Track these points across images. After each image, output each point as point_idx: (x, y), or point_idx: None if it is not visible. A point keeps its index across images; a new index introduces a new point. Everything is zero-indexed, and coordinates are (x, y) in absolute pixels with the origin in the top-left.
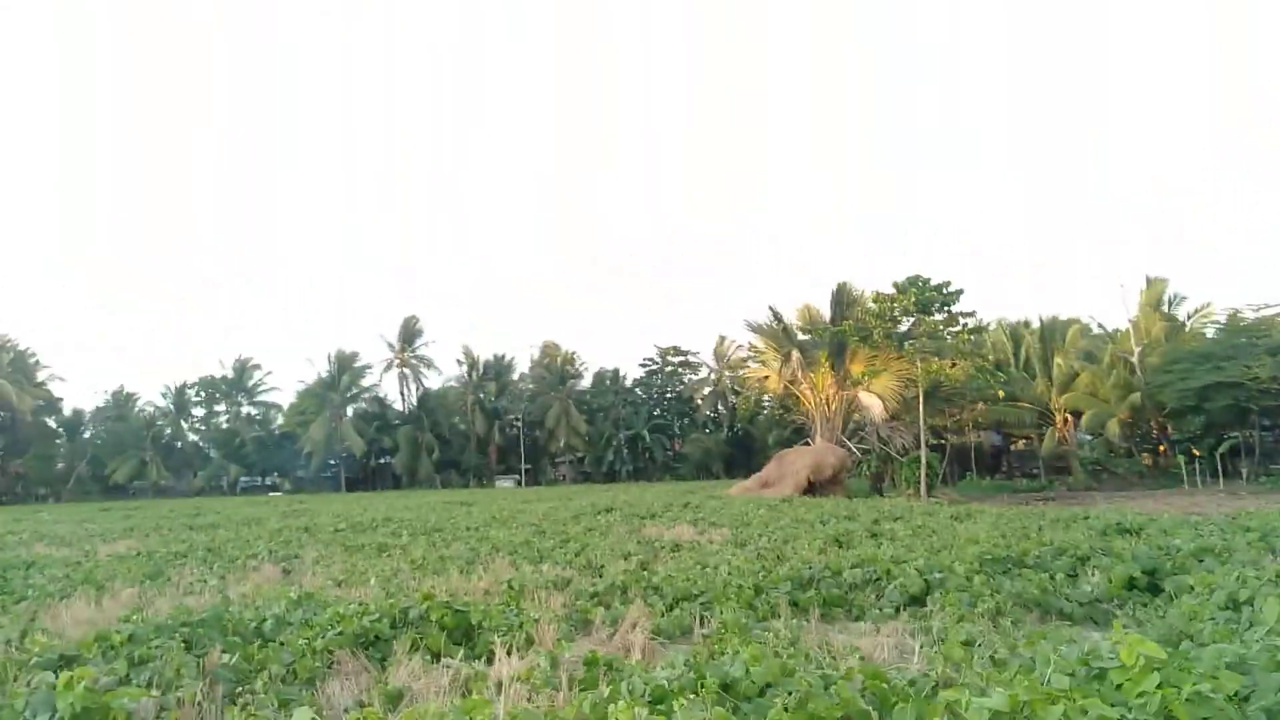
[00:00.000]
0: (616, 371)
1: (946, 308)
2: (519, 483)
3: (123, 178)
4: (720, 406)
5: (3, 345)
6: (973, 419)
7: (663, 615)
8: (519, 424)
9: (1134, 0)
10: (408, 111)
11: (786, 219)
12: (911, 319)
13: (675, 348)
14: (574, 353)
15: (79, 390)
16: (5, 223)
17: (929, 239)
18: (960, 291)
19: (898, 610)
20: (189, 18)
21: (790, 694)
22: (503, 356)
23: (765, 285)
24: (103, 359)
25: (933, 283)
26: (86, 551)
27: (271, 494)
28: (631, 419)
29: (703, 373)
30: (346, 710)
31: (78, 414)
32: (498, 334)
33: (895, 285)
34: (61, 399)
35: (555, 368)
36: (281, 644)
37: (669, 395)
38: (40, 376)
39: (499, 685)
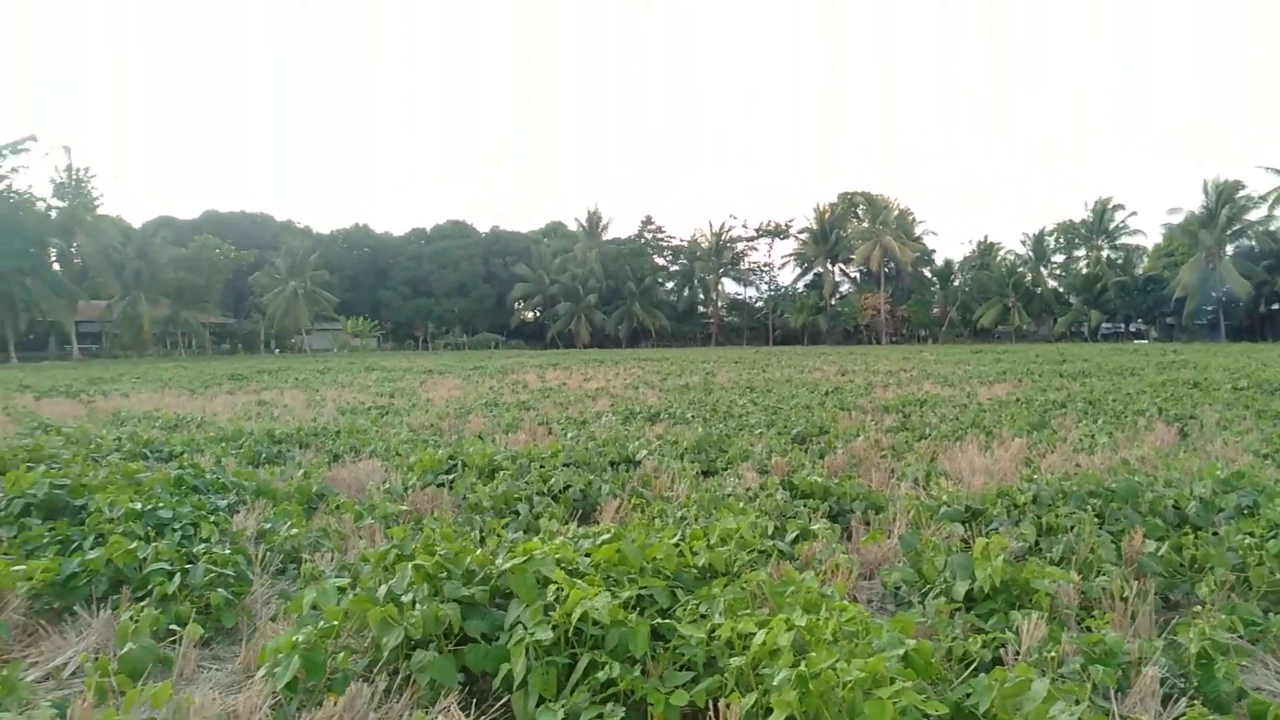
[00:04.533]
0: None
1: None
2: None
3: None
4: None
5: (889, 205)
6: None
7: None
8: None
9: None
10: None
11: None
12: None
13: None
14: None
15: (949, 242)
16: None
17: None
18: None
19: None
20: None
21: None
22: None
23: None
24: (969, 210)
25: None
26: (968, 393)
27: (1136, 342)
28: None
29: None
30: None
31: (948, 264)
32: None
33: None
34: (934, 250)
35: None
36: (1215, 534)
37: None
38: (917, 231)
39: None
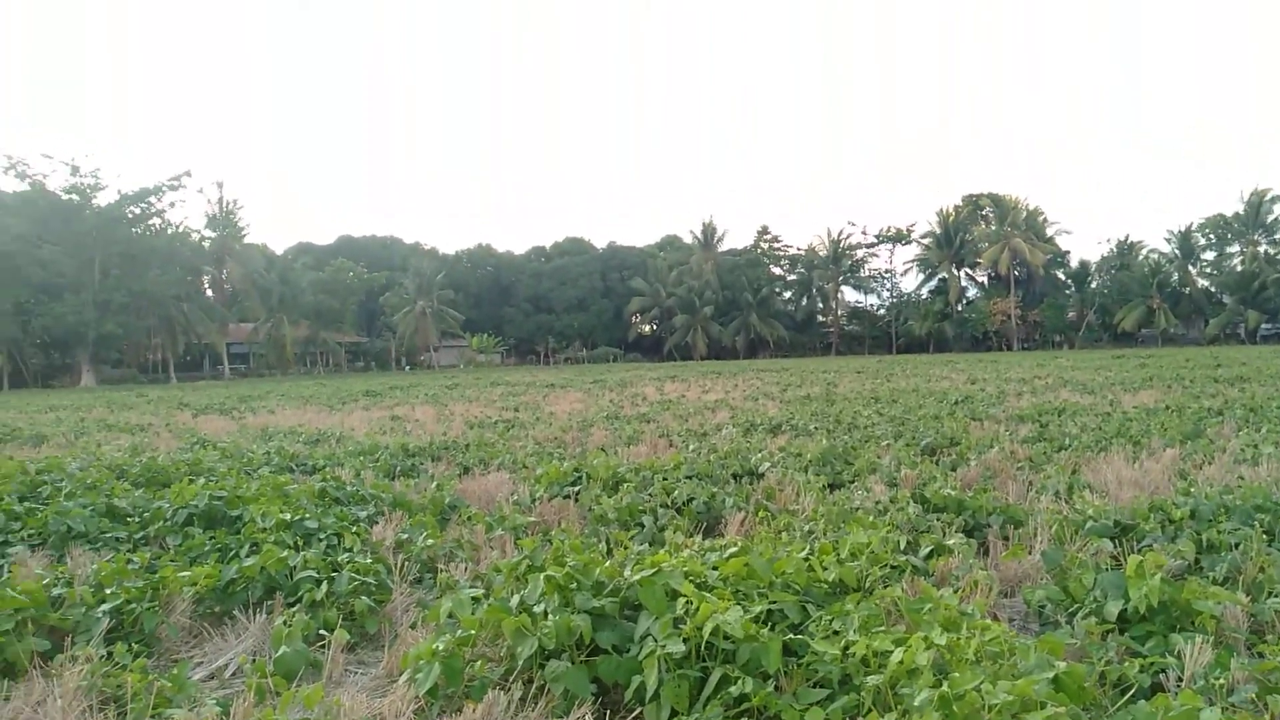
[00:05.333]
0: None
1: None
2: None
3: None
4: None
5: (1017, 205)
6: None
7: None
8: None
9: None
10: None
11: None
12: None
13: None
14: None
15: (1084, 242)
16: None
17: None
18: None
19: None
20: None
21: None
22: None
23: None
24: (1105, 209)
25: None
26: (1110, 401)
27: None
28: None
29: None
30: None
31: (1084, 265)
32: None
33: None
34: (1068, 252)
35: None
36: None
37: None
38: (1049, 231)
39: None
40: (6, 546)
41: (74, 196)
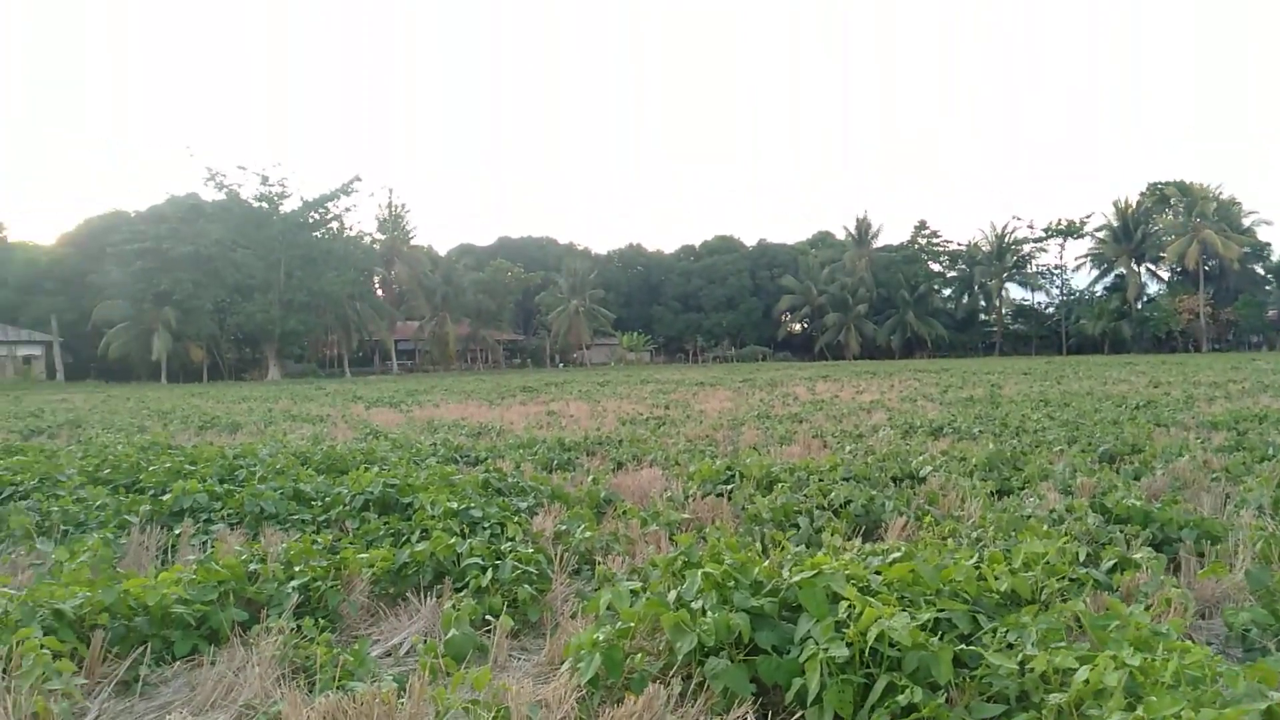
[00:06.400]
0: None
1: None
2: None
3: None
4: None
5: (1207, 195)
6: None
7: None
8: None
9: None
10: None
11: None
12: None
13: None
14: None
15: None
16: None
17: None
18: None
19: None
20: None
21: None
22: None
23: None
24: None
25: None
26: None
27: None
28: None
29: None
30: None
31: None
32: None
33: None
34: (1268, 244)
35: None
36: None
37: None
38: (1245, 223)
39: None
40: (209, 524)
41: (263, 204)
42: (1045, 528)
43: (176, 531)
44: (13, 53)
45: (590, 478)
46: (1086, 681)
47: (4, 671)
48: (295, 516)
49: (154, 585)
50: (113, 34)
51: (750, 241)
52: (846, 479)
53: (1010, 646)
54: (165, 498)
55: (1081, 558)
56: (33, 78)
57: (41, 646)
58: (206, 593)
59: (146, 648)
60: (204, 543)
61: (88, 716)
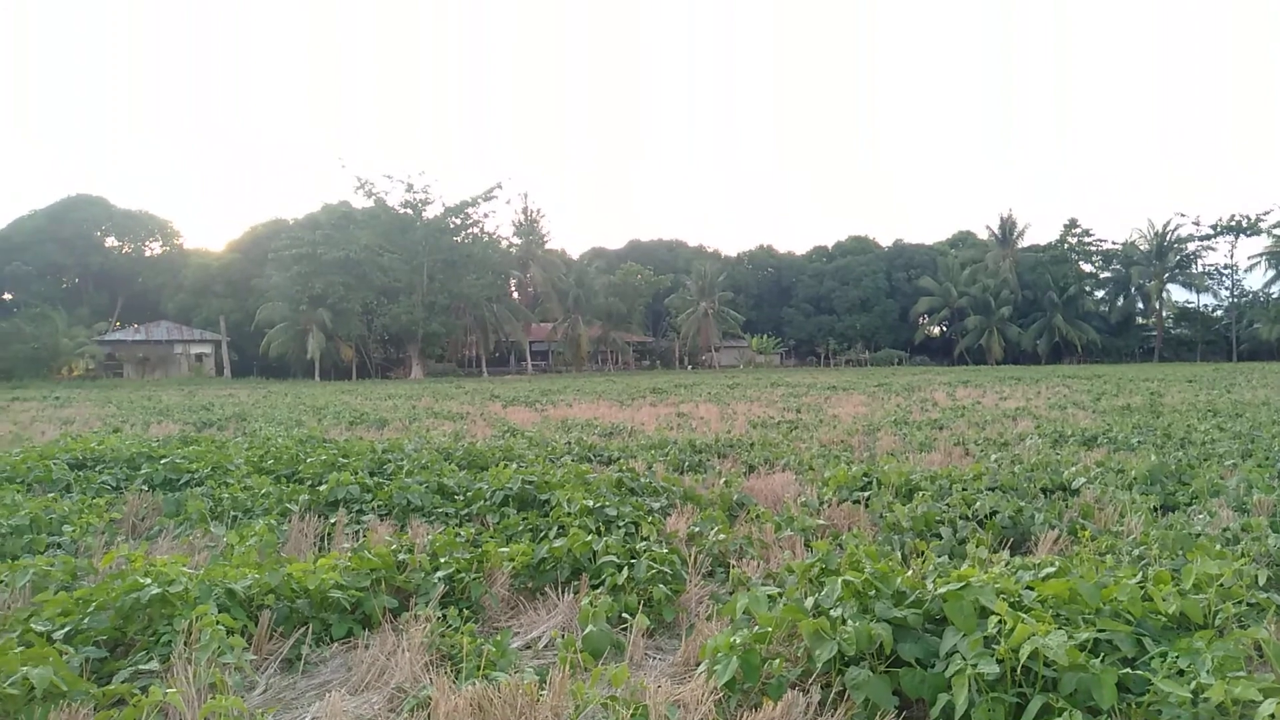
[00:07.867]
0: None
1: None
2: None
3: None
4: None
5: None
6: None
7: None
8: None
9: None
10: None
11: None
12: None
13: None
14: None
15: None
16: None
17: None
18: None
19: None
20: None
21: None
22: None
23: None
24: None
25: None
26: None
27: None
28: None
29: None
30: None
31: None
32: None
33: None
34: None
35: None
36: None
37: None
38: None
39: None
40: (361, 515)
41: (408, 210)
42: (1218, 547)
43: (332, 520)
44: (203, 77)
45: (723, 480)
46: (1272, 716)
47: (185, 644)
48: (439, 510)
49: (314, 570)
50: (273, 57)
51: (886, 242)
52: (992, 489)
53: (1181, 673)
54: (322, 488)
55: (1261, 581)
56: (204, 100)
57: (217, 623)
58: (360, 579)
59: (308, 628)
60: (356, 531)
61: (256, 690)
